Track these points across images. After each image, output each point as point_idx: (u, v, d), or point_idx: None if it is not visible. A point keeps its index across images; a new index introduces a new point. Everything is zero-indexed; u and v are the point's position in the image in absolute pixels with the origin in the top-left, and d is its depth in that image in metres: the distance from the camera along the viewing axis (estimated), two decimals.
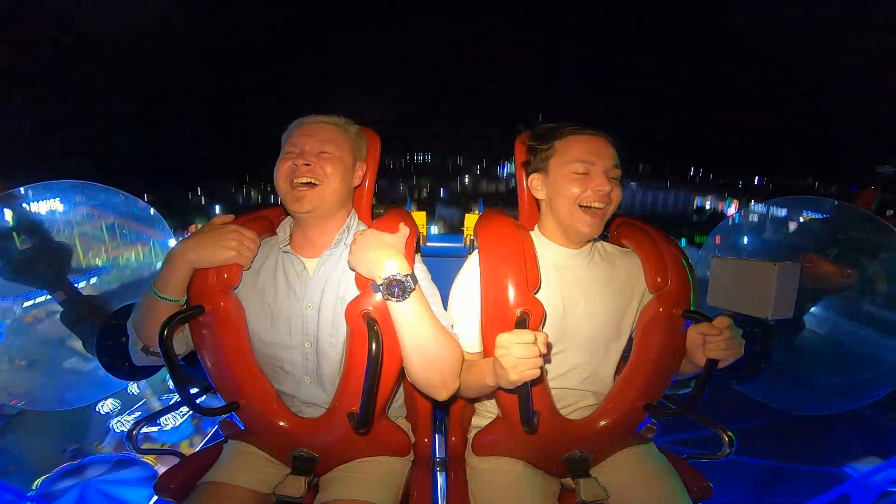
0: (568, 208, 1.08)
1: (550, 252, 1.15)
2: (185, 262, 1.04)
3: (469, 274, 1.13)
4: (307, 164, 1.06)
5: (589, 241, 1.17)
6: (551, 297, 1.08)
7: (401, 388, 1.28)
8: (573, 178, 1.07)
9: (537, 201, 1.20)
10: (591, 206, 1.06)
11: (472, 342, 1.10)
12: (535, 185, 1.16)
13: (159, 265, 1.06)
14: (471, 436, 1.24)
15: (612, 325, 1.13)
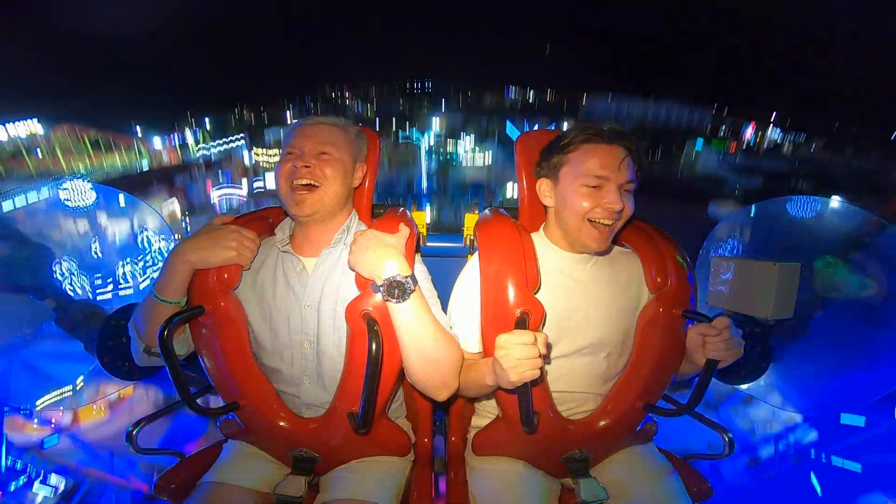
0: (576, 222, 1.06)
1: (553, 255, 1.14)
2: (186, 263, 1.04)
3: (470, 274, 1.13)
4: (307, 166, 1.06)
5: None
6: (552, 298, 1.08)
7: (401, 388, 1.29)
8: (584, 192, 1.03)
9: (544, 206, 1.18)
10: (599, 222, 1.04)
11: (472, 342, 1.10)
12: (543, 190, 1.13)
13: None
14: (471, 436, 1.24)
15: (613, 325, 1.13)
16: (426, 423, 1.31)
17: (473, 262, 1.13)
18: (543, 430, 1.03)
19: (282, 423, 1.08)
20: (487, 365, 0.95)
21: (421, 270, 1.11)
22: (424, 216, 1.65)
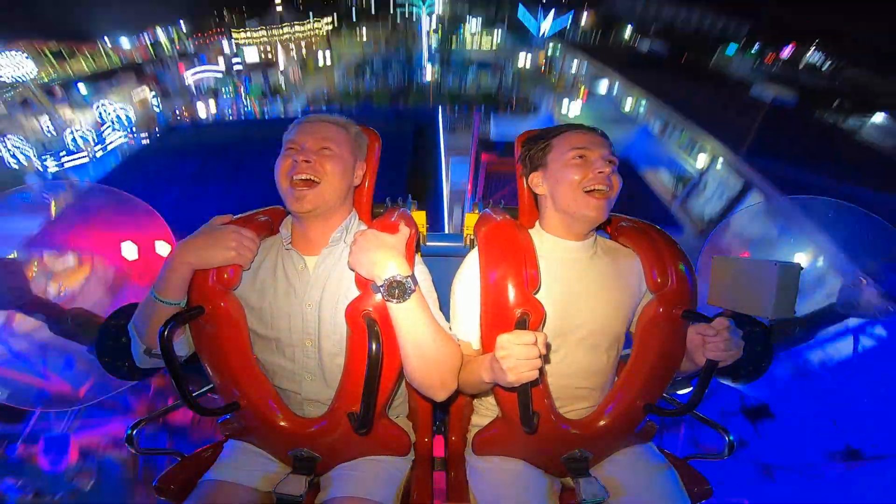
0: (572, 194, 1.08)
1: (553, 246, 1.14)
2: (185, 264, 1.03)
3: (468, 271, 1.13)
4: (307, 161, 1.06)
5: (591, 235, 1.17)
6: (553, 294, 1.08)
7: (401, 388, 1.29)
8: (572, 164, 1.08)
9: (536, 199, 1.20)
10: (595, 189, 1.07)
11: (471, 339, 1.10)
12: (535, 181, 1.16)
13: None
14: (471, 435, 1.24)
15: (614, 321, 1.13)
16: (426, 423, 1.32)
17: (471, 260, 1.13)
18: (543, 430, 1.03)
19: (282, 423, 1.08)
20: (484, 361, 0.95)
21: (421, 271, 1.11)
22: (424, 216, 1.65)
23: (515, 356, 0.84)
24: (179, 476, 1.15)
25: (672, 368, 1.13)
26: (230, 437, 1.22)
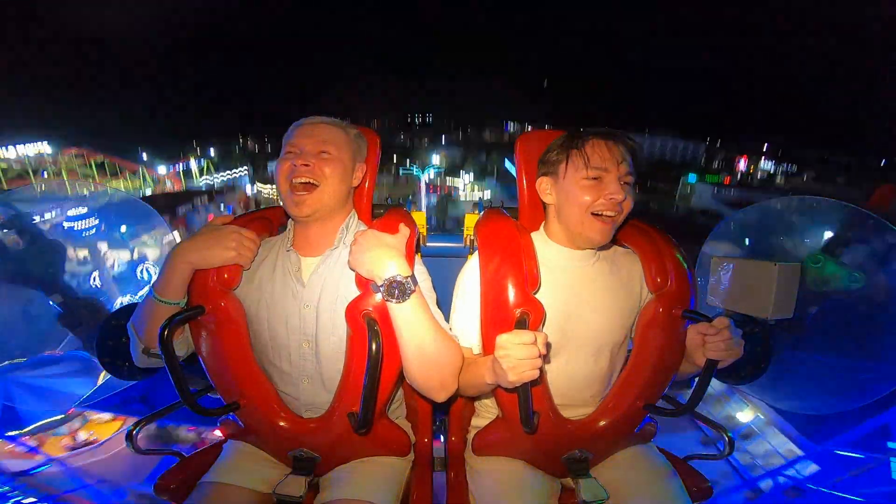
0: (579, 216, 1.06)
1: (556, 253, 1.14)
2: (185, 264, 1.04)
3: (470, 274, 1.13)
4: (306, 165, 1.06)
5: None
6: (553, 297, 1.08)
7: (401, 388, 1.29)
8: (585, 185, 1.04)
9: (543, 204, 1.18)
10: (602, 214, 1.05)
11: (472, 341, 1.10)
12: (543, 188, 1.14)
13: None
14: (471, 436, 1.24)
15: (614, 324, 1.13)
16: (426, 423, 1.31)
17: (473, 262, 1.13)
18: (543, 430, 1.03)
19: (282, 423, 1.08)
20: (486, 363, 0.94)
21: (421, 271, 1.11)
22: (424, 216, 1.65)
23: (515, 356, 0.83)
24: (179, 476, 1.15)
25: (672, 368, 1.12)
26: (230, 437, 1.22)
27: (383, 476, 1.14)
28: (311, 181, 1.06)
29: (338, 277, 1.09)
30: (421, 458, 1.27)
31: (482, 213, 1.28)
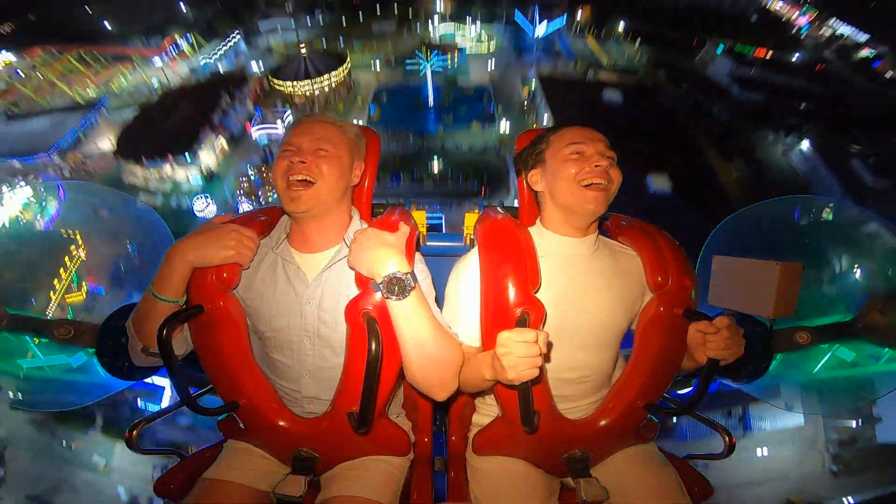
0: (569, 188, 1.09)
1: (554, 243, 1.14)
2: (185, 262, 1.03)
3: (468, 268, 1.12)
4: (303, 162, 1.06)
5: (593, 232, 1.16)
6: (555, 291, 1.08)
7: (401, 388, 1.28)
8: (569, 159, 1.10)
9: (536, 196, 1.21)
10: (592, 183, 1.07)
11: (471, 337, 1.10)
12: (534, 179, 1.18)
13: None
14: (471, 435, 1.24)
15: (615, 317, 1.13)
16: (426, 423, 1.31)
17: (472, 257, 1.13)
18: (544, 430, 1.02)
19: (281, 423, 1.08)
20: (485, 359, 0.94)
21: (421, 270, 1.10)
22: (424, 215, 1.65)
23: (516, 354, 0.83)
24: (179, 476, 1.15)
25: (673, 368, 1.12)
26: (230, 437, 1.22)
27: (383, 475, 1.14)
28: (308, 178, 1.06)
29: (339, 275, 1.09)
30: (421, 458, 1.27)
31: (482, 211, 1.28)
